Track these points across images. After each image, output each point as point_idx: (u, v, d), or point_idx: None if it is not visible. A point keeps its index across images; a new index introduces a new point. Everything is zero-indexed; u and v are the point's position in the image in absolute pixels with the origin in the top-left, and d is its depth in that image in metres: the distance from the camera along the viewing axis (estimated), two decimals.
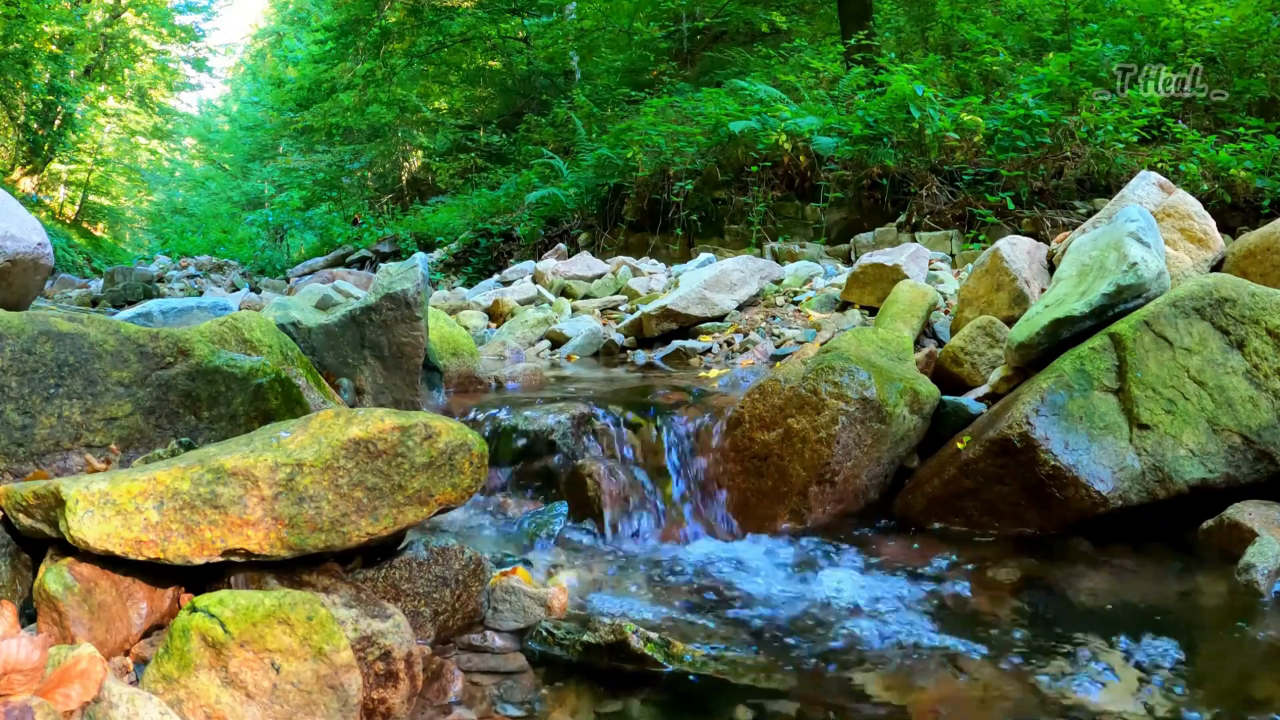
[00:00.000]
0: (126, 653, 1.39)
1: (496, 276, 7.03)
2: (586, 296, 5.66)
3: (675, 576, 2.06)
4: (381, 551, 1.66)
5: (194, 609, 1.26)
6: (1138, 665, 1.59)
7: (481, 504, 2.40)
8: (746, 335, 4.14)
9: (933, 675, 1.58)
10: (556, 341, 4.45)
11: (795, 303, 4.74)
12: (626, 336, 4.41)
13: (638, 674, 1.55)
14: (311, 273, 10.52)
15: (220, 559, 1.40)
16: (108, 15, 21.09)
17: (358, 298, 3.78)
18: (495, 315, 5.27)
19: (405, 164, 17.75)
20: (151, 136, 25.15)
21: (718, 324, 4.36)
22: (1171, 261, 2.77)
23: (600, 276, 6.12)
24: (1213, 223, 2.91)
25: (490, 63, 16.60)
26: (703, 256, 6.18)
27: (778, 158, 7.43)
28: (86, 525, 1.33)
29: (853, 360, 2.48)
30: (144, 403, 1.82)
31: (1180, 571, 2.03)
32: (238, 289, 10.40)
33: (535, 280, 6.17)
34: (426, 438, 1.56)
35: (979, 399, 2.61)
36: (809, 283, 5.12)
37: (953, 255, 6.16)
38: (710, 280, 4.61)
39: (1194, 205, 2.94)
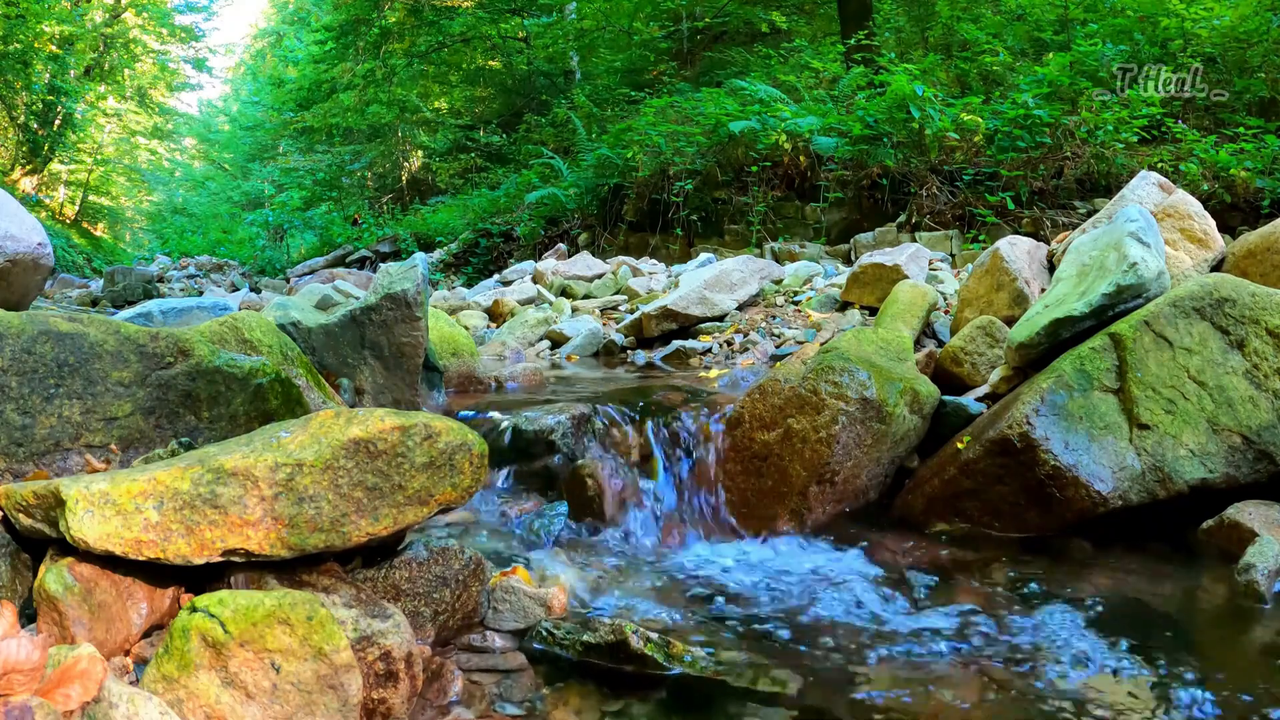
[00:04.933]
0: (126, 653, 1.39)
1: (496, 276, 7.03)
2: (586, 296, 5.66)
3: (675, 576, 2.06)
4: (382, 551, 1.66)
5: (194, 609, 1.26)
6: (1138, 665, 1.59)
7: (481, 504, 2.40)
8: (746, 335, 4.14)
9: (933, 676, 1.58)
10: (556, 341, 4.45)
11: (795, 303, 4.74)
12: (626, 336, 4.41)
13: (638, 674, 1.55)
14: (311, 273, 10.52)
15: (220, 559, 1.40)
16: (108, 15, 21.08)
17: (358, 298, 3.78)
18: (495, 315, 5.27)
19: (405, 164, 17.75)
20: (151, 136, 25.14)
21: (718, 324, 4.36)
22: (1171, 261, 2.77)
23: (600, 276, 6.12)
24: (1213, 223, 2.91)
25: (490, 63, 16.61)
26: (703, 256, 6.18)
27: (778, 158, 7.43)
28: (86, 525, 1.33)
29: (853, 360, 2.48)
30: (144, 403, 1.82)
31: (1180, 571, 2.03)
32: (238, 289, 10.41)
33: (535, 280, 6.17)
34: (426, 438, 1.56)
35: (979, 399, 2.61)
36: (809, 283, 5.12)
37: (953, 255, 6.17)
38: (710, 280, 4.61)
39: (1194, 205, 2.94)
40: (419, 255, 3.04)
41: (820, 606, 1.88)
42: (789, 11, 13.64)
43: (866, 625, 1.78)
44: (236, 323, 2.30)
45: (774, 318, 4.42)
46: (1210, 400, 2.21)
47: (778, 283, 5.11)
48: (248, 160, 23.96)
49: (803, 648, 1.69)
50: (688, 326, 4.37)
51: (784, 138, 7.32)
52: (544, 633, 1.65)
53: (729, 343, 4.07)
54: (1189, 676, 1.54)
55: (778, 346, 3.89)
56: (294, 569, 1.50)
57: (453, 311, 5.26)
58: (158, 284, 9.75)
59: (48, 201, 20.05)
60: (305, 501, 1.45)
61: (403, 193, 16.82)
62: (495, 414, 2.65)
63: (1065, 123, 6.61)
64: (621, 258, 6.72)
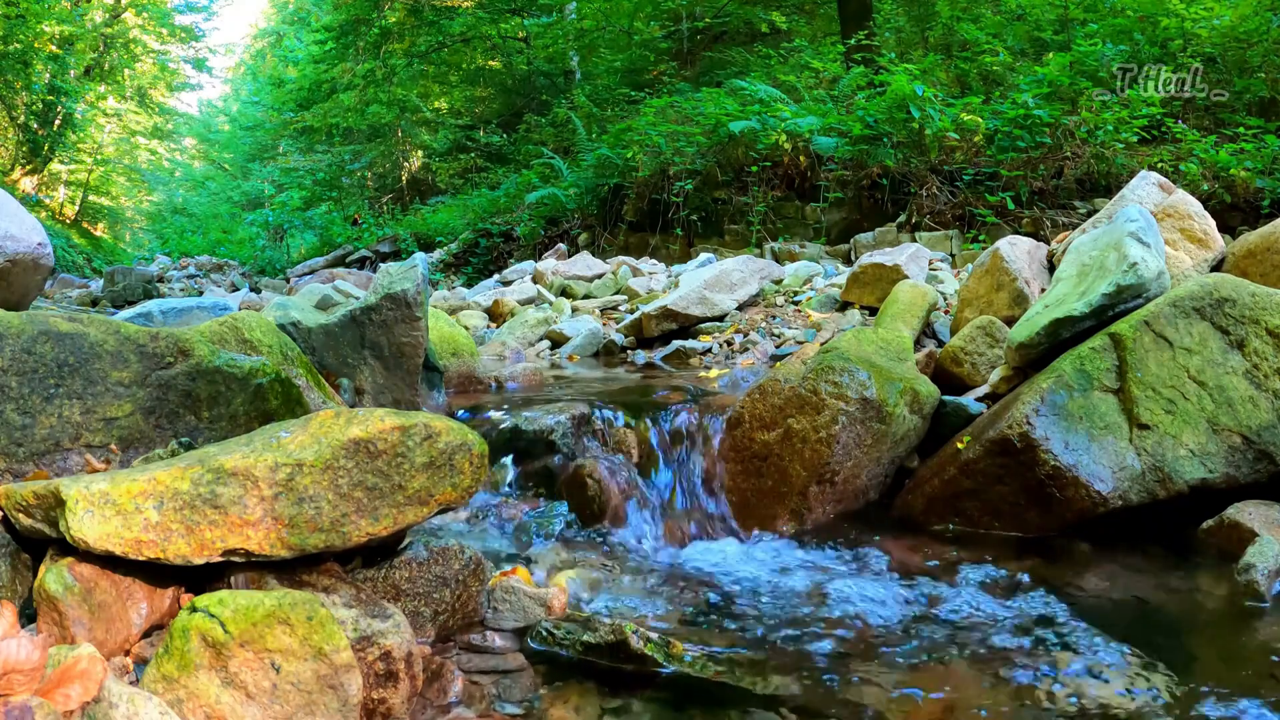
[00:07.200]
0: (126, 653, 1.39)
1: (496, 276, 7.03)
2: (586, 296, 5.66)
3: (675, 576, 2.06)
4: (382, 551, 1.66)
5: (194, 609, 1.26)
6: (1137, 665, 1.59)
7: (481, 504, 2.40)
8: (746, 335, 4.14)
9: (933, 676, 1.58)
10: (556, 341, 4.45)
11: (795, 303, 4.74)
12: (626, 336, 4.41)
13: (638, 674, 1.55)
14: (311, 273, 10.52)
15: (220, 559, 1.40)
16: (108, 15, 21.08)
17: (358, 298, 3.78)
18: (495, 315, 5.27)
19: (405, 164, 17.75)
20: (151, 136, 25.13)
21: (718, 324, 4.36)
22: (1171, 261, 2.77)
23: (600, 276, 6.12)
24: (1213, 223, 2.91)
25: (490, 63, 16.61)
26: (703, 256, 6.18)
27: (778, 158, 7.43)
28: (86, 525, 1.33)
29: (853, 360, 2.48)
30: (144, 403, 1.82)
31: (1180, 571, 2.03)
32: (238, 289, 10.40)
33: (535, 280, 6.17)
34: (426, 438, 1.56)
35: (979, 399, 2.61)
36: (809, 283, 5.11)
37: (953, 255, 6.17)
38: (710, 280, 4.61)
39: (1194, 205, 2.94)
40: (419, 255, 3.04)
41: (820, 607, 1.88)
42: (789, 11, 13.64)
43: (866, 625, 1.78)
44: (236, 323, 2.30)
45: (774, 318, 4.41)
46: (1210, 400, 2.21)
47: (778, 283, 5.11)
48: (248, 160, 23.96)
49: (803, 648, 1.69)
50: (688, 326, 4.37)
51: (784, 138, 7.32)
52: (544, 632, 1.65)
53: (729, 343, 4.07)
54: (1189, 676, 1.54)
55: (778, 346, 3.89)
56: (294, 569, 1.50)
57: (453, 311, 5.26)
58: (158, 284, 9.75)
59: (48, 201, 20.05)
60: (305, 501, 1.45)
61: (403, 193, 16.82)
62: (495, 414, 2.65)
63: (1065, 123, 6.62)
64: (621, 258, 6.72)
